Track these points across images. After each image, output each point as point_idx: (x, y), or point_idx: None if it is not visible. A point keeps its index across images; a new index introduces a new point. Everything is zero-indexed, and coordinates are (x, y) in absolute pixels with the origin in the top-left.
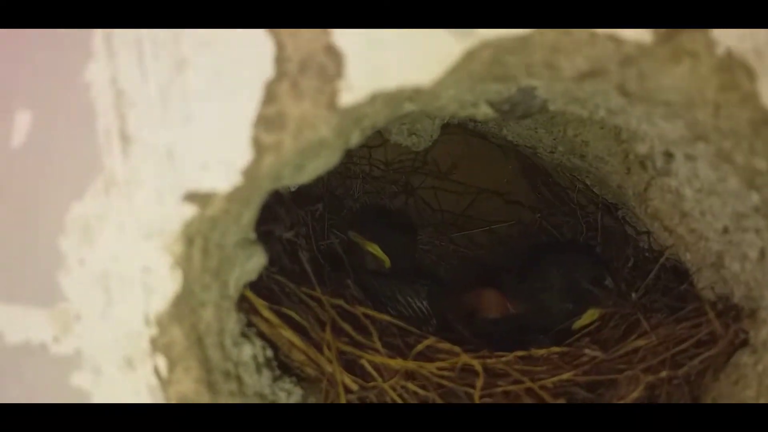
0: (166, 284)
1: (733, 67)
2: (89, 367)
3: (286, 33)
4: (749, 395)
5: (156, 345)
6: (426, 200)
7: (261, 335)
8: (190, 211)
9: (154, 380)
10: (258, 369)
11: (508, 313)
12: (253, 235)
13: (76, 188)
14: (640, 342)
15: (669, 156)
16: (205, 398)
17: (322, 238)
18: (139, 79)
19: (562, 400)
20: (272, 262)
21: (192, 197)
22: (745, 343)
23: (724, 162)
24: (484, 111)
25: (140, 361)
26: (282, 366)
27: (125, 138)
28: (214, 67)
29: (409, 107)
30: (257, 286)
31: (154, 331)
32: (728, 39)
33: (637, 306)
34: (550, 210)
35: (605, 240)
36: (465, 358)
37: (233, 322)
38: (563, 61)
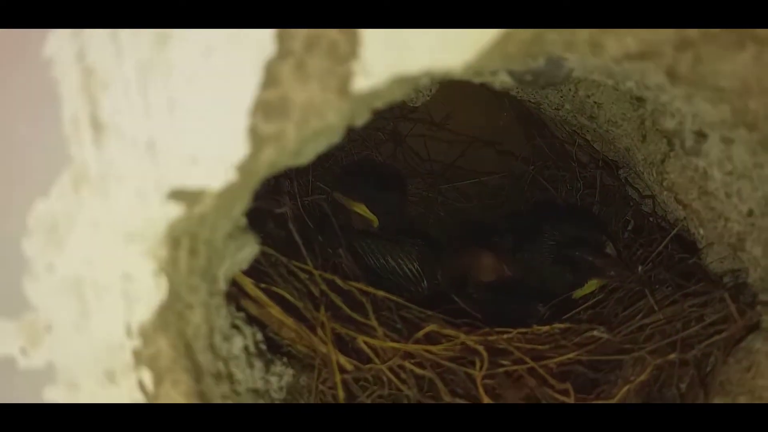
0: (150, 292)
1: None
2: (64, 382)
3: None
4: (762, 384)
5: (140, 357)
6: (414, 149)
7: (250, 318)
8: (175, 210)
9: (138, 395)
10: (249, 362)
11: (504, 276)
12: (243, 222)
13: (39, 183)
14: (647, 320)
15: (701, 136)
16: None
17: (306, 193)
18: (112, 55)
19: (567, 383)
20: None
21: (178, 195)
22: (757, 326)
23: (767, 150)
24: (502, 80)
25: (123, 375)
26: (271, 345)
27: (97, 126)
28: (205, 41)
29: (425, 82)
30: None
31: (137, 342)
32: None
33: (643, 279)
34: (545, 163)
35: (603, 199)
36: (466, 339)
37: (223, 317)
38: (611, 41)
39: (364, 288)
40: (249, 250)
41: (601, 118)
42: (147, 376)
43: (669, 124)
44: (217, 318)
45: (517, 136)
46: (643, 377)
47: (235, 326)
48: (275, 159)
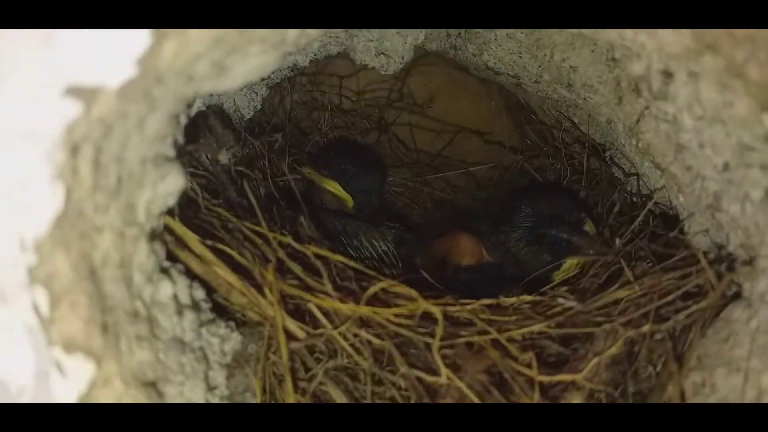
0: (47, 201)
1: None
2: None
3: None
4: (739, 354)
5: (35, 275)
6: (400, 138)
7: (190, 274)
8: (73, 110)
9: (32, 317)
10: (179, 311)
11: (482, 260)
12: (169, 151)
13: None
14: (622, 292)
15: (668, 76)
16: (97, 341)
17: (282, 173)
18: None
19: (530, 353)
20: (215, 193)
21: (75, 92)
22: (737, 296)
23: (735, 79)
24: None
25: (15, 294)
26: (219, 309)
27: None
28: None
29: None
30: (193, 219)
31: (31, 258)
32: None
33: (621, 253)
34: (533, 151)
35: (591, 183)
36: (424, 305)
37: (144, 254)
38: None
39: (320, 252)
40: (172, 181)
41: (577, 83)
42: (42, 297)
43: (637, 68)
44: (135, 252)
45: (506, 124)
46: (613, 350)
47: (164, 271)
48: (184, 60)
